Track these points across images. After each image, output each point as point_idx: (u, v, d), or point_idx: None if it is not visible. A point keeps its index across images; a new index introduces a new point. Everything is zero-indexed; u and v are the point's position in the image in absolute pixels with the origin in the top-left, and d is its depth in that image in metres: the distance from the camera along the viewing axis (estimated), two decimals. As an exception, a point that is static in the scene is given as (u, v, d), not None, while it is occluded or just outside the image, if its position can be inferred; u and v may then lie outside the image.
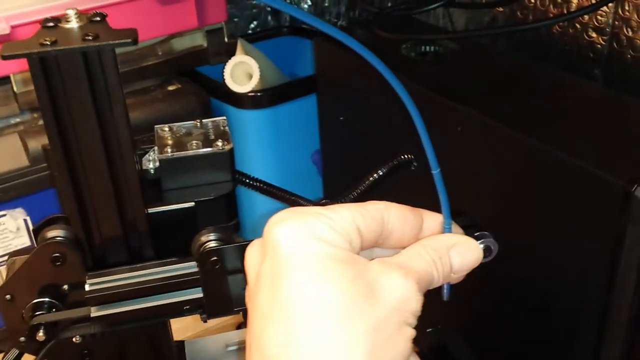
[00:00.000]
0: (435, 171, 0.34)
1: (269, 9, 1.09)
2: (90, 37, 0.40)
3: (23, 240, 0.73)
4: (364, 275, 0.30)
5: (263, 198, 0.58)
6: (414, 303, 0.31)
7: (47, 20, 0.43)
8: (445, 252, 0.34)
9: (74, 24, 0.43)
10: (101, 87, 0.42)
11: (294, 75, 1.00)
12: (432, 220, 0.35)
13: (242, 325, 0.71)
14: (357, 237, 0.32)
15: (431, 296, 0.64)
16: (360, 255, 0.32)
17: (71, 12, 0.42)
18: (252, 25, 1.09)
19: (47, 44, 0.40)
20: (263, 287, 0.30)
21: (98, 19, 0.43)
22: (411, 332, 0.31)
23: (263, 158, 0.87)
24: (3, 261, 0.73)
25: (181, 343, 0.59)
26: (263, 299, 0.30)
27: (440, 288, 0.36)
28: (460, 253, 0.34)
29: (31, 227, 0.72)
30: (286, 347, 0.28)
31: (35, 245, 0.70)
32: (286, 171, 0.88)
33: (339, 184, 0.81)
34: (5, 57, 0.40)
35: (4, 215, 0.71)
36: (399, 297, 0.30)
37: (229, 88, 0.83)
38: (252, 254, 0.33)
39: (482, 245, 0.50)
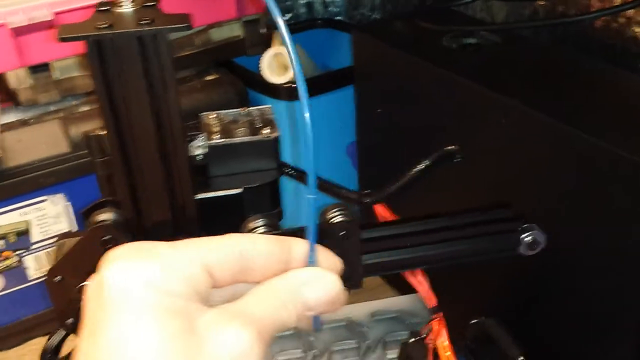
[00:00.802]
0: (311, 196, 0.32)
1: (302, 1, 1.09)
2: (146, 22, 0.41)
3: (62, 226, 0.73)
4: (194, 328, 0.28)
5: (295, 188, 0.58)
6: (253, 356, 0.28)
7: (101, 4, 0.44)
8: (297, 291, 0.31)
9: (128, 7, 0.43)
10: (155, 72, 0.42)
11: (328, 68, 1.00)
12: (302, 248, 0.33)
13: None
14: (205, 277, 0.29)
15: (475, 286, 0.64)
16: (221, 293, 0.31)
17: (126, -4, 0.43)
18: (284, 18, 1.09)
19: (104, 27, 0.40)
20: (86, 328, 0.28)
21: (151, 3, 0.43)
22: None
23: (297, 149, 0.87)
24: (42, 246, 0.73)
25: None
26: (85, 341, 0.28)
27: None
28: (315, 289, 0.31)
29: (71, 213, 0.73)
30: None
31: (75, 230, 0.71)
32: (321, 163, 0.87)
33: (375, 177, 0.81)
34: (62, 40, 0.40)
35: (45, 200, 0.71)
36: (232, 352, 0.28)
37: (265, 79, 0.83)
38: (91, 288, 0.30)
39: (529, 238, 0.50)
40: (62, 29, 0.41)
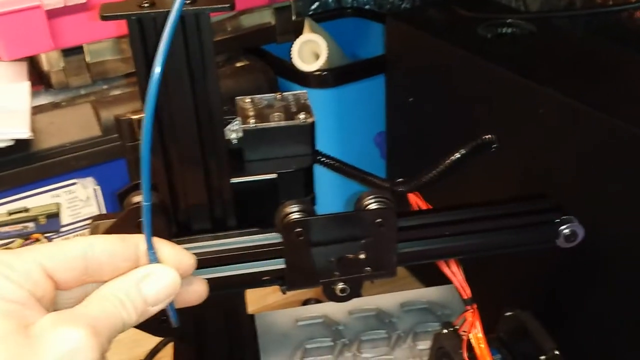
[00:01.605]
0: (146, 203, 0.34)
1: (331, -10, 1.08)
2: (188, 1, 0.40)
3: (92, 210, 0.73)
4: (26, 333, 0.29)
5: (323, 176, 0.57)
6: (86, 352, 0.29)
7: (142, -17, 0.43)
8: (133, 288, 0.33)
9: (169, -13, 0.42)
10: (196, 52, 0.42)
11: (356, 58, 0.99)
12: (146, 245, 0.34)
13: (307, 302, 0.71)
14: (44, 281, 0.31)
15: (507, 278, 0.63)
16: (69, 294, 0.32)
17: (167, -24, 0.42)
18: (313, 7, 1.09)
19: (146, 6, 0.40)
20: None
21: (193, -17, 0.43)
22: None
23: (326, 137, 0.86)
24: (72, 229, 0.74)
25: (251, 316, 0.59)
26: None
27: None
28: (151, 284, 0.33)
29: (100, 197, 0.73)
30: None
31: (104, 212, 0.71)
32: (348, 152, 0.87)
33: (404, 166, 0.80)
34: (104, 18, 0.40)
35: (75, 183, 0.71)
36: (63, 350, 0.29)
37: (294, 66, 0.82)
38: None
39: (567, 230, 0.49)
40: (103, 8, 0.40)
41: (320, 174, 0.56)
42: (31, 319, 0.30)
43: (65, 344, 0.29)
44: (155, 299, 0.33)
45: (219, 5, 0.40)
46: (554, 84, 0.57)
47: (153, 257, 0.34)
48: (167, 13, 0.40)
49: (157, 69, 0.32)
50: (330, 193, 0.76)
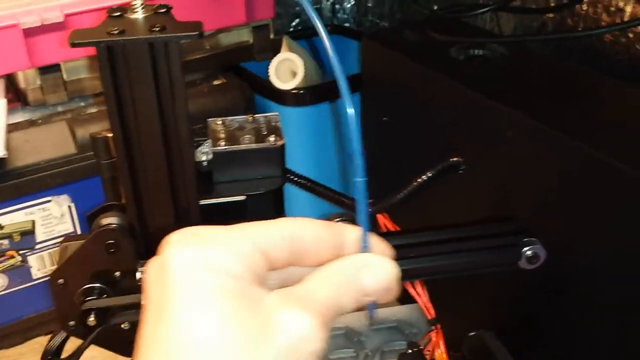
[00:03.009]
0: (360, 179, 0.31)
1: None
2: (157, 29, 0.41)
3: (66, 227, 0.74)
4: (256, 311, 0.28)
5: (297, 196, 0.58)
6: (315, 342, 0.28)
7: (112, 10, 0.44)
8: (355, 275, 0.31)
9: (139, 14, 0.43)
10: (164, 78, 0.42)
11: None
12: (354, 234, 0.32)
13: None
14: (261, 260, 0.29)
15: (472, 299, 0.64)
16: (276, 275, 0.31)
17: (137, 3, 0.43)
18: (293, 23, 1.10)
19: (115, 33, 0.41)
20: (151, 314, 0.28)
21: (163, 10, 0.44)
22: None
23: (303, 155, 0.87)
24: (46, 246, 0.74)
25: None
26: (150, 327, 0.28)
27: None
28: (371, 274, 0.31)
29: (75, 214, 0.74)
30: None
31: (80, 232, 0.71)
32: (325, 169, 0.88)
33: (379, 184, 0.80)
34: (73, 45, 0.41)
35: (49, 201, 0.72)
36: (294, 336, 0.27)
37: (272, 84, 0.83)
38: (152, 273, 0.30)
39: (530, 252, 0.50)
40: (73, 34, 0.41)
41: (293, 193, 0.57)
42: (258, 296, 0.28)
43: (295, 329, 0.27)
44: (372, 290, 0.31)
45: (188, 34, 0.41)
46: (522, 106, 0.58)
47: (366, 247, 0.32)
48: (137, 40, 0.41)
49: (349, 111, 0.31)
50: (303, 212, 0.77)
